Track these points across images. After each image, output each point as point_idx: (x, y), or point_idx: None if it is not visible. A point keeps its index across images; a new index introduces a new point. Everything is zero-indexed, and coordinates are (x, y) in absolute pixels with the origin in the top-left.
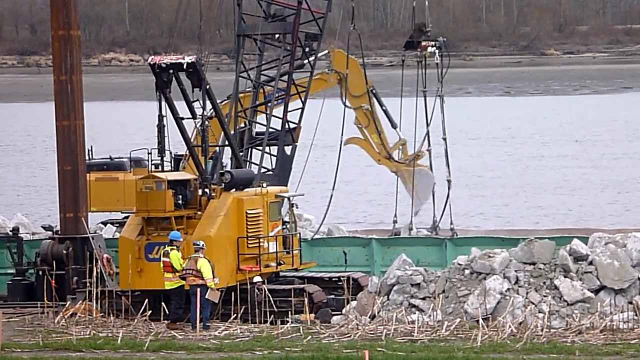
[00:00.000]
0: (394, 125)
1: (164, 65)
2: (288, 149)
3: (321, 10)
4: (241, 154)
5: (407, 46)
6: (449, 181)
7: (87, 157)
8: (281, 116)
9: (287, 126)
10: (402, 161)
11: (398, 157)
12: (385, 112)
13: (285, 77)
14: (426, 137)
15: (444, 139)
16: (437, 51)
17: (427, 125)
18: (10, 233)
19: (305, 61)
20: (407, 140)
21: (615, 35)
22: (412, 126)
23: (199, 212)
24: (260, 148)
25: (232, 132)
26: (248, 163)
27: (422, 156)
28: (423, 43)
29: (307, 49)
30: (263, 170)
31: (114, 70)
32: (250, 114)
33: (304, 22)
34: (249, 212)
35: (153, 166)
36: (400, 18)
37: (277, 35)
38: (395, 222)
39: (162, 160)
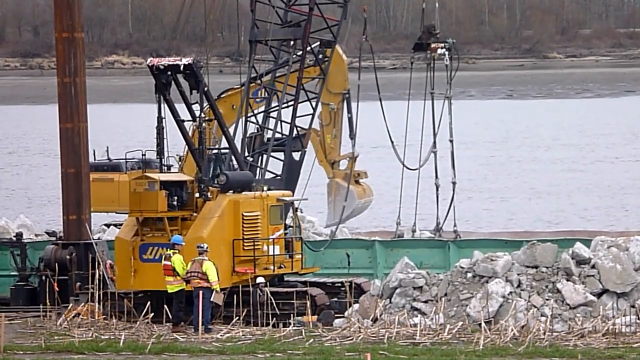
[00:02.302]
0: (352, 136)
1: (162, 67)
2: (297, 154)
3: (336, 17)
4: (251, 159)
5: (416, 48)
6: (453, 183)
7: (105, 158)
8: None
9: (296, 131)
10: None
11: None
12: (350, 120)
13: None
14: (434, 139)
15: (451, 141)
16: (446, 53)
17: (434, 127)
18: (14, 238)
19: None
20: (359, 155)
21: (618, 38)
22: (418, 128)
23: (195, 214)
24: (273, 154)
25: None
26: (258, 168)
27: (363, 177)
28: (433, 45)
29: (320, 56)
30: (272, 175)
31: (117, 72)
32: (263, 120)
33: (319, 29)
34: (245, 214)
35: (165, 167)
36: (403, 21)
37: (292, 42)
38: (398, 224)
39: (160, 161)
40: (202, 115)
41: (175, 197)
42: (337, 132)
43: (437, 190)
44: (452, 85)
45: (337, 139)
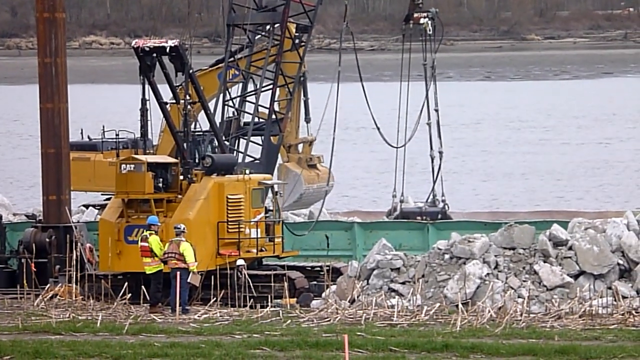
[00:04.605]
0: (307, 120)
1: (147, 49)
2: (274, 138)
3: (312, 2)
4: (228, 142)
5: (406, 20)
6: (440, 153)
7: (100, 137)
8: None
9: (274, 116)
10: (303, 160)
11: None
12: (305, 103)
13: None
14: (427, 110)
15: (436, 111)
16: (429, 22)
17: (427, 98)
18: None
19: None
20: (315, 140)
21: (596, 20)
22: (404, 106)
23: (180, 196)
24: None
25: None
26: (236, 152)
27: (316, 161)
28: (415, 15)
29: (297, 41)
30: (250, 159)
31: (95, 53)
32: (239, 104)
33: (295, 14)
34: (229, 197)
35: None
36: (381, 2)
37: (267, 26)
38: (394, 196)
39: (144, 143)
40: (188, 97)
41: (161, 179)
42: (294, 116)
43: (432, 161)
44: (431, 65)
45: (293, 122)
